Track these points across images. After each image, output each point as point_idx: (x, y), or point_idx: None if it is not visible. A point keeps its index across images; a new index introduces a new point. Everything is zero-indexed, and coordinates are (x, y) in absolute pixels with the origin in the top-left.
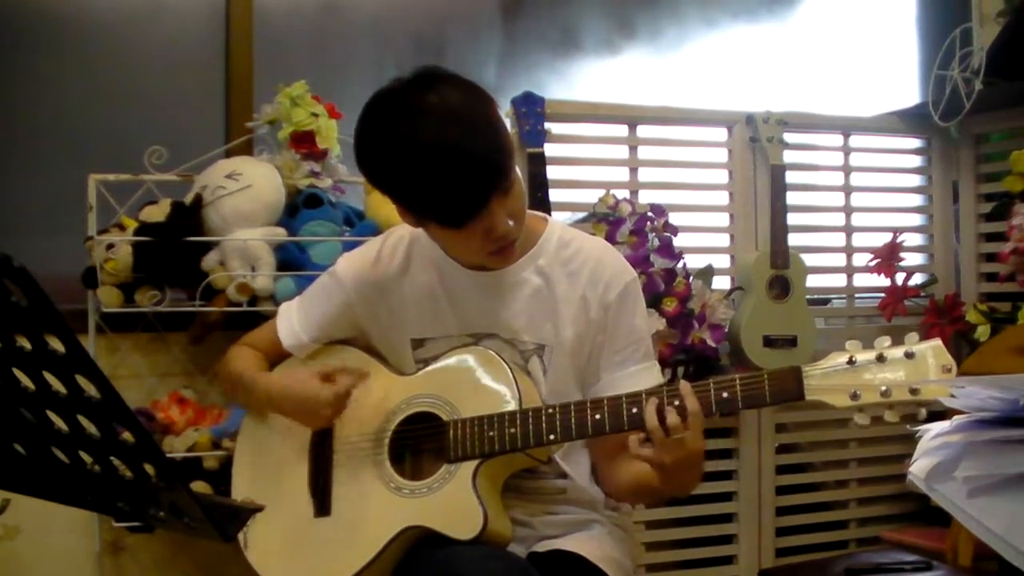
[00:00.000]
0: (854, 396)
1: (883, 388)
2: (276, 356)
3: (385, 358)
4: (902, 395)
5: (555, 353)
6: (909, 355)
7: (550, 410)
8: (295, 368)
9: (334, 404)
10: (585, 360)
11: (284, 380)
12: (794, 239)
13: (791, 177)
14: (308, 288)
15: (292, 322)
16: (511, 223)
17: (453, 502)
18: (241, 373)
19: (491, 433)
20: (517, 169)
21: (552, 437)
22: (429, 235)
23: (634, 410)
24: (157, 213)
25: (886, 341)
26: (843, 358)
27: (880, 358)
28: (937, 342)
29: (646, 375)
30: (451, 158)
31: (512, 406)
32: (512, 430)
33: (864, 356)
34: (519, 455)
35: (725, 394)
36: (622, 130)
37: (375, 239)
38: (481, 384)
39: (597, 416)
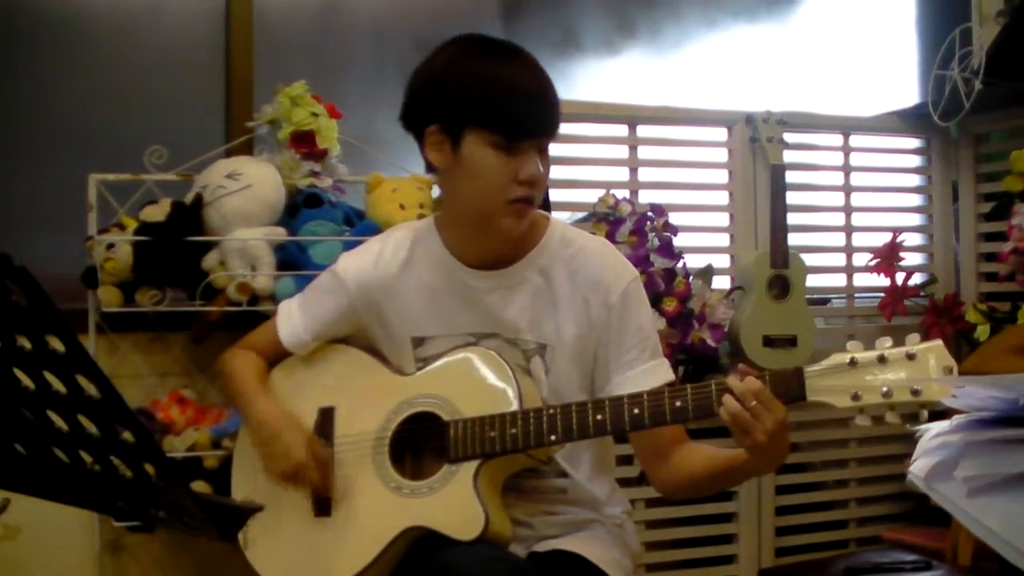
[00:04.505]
0: (855, 397)
1: (884, 389)
2: (276, 356)
3: (385, 357)
4: (903, 396)
5: (557, 353)
6: (910, 356)
7: (551, 410)
8: (297, 369)
9: (295, 471)
10: (590, 362)
11: (272, 414)
12: (794, 239)
13: (791, 177)
14: (308, 286)
15: (293, 321)
16: (541, 170)
17: (454, 503)
18: (238, 385)
19: (492, 433)
20: None
21: (553, 438)
22: (458, 167)
23: (635, 411)
24: (157, 213)
25: (887, 342)
26: (845, 358)
27: (881, 359)
28: (938, 343)
29: (656, 374)
30: (527, 71)
31: (513, 406)
32: (513, 430)
33: (865, 357)
34: (520, 455)
35: (727, 395)
36: (622, 130)
37: (377, 237)
38: (482, 384)
39: (599, 416)
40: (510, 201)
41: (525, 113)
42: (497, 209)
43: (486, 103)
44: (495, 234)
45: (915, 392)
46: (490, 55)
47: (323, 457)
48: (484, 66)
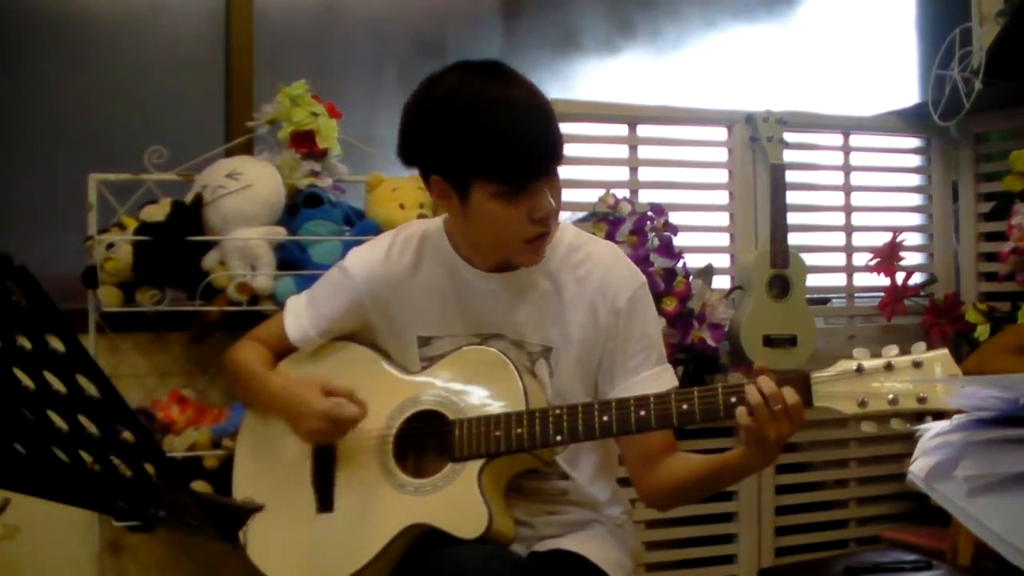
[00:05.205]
0: (862, 404)
1: (891, 396)
2: (283, 351)
3: (390, 355)
4: (909, 403)
5: (562, 356)
6: (917, 364)
7: (557, 411)
8: (303, 364)
9: (324, 420)
10: (594, 366)
11: (287, 380)
12: (794, 239)
13: (791, 176)
14: (317, 282)
15: (300, 316)
16: (553, 204)
17: (458, 501)
18: (248, 368)
19: (497, 433)
20: None
21: (559, 439)
22: (468, 214)
23: (642, 413)
24: (157, 213)
25: (893, 350)
26: (852, 365)
27: (888, 366)
28: (944, 352)
29: (660, 380)
30: (523, 114)
31: (518, 406)
32: (519, 430)
33: (872, 364)
34: (524, 455)
35: (734, 399)
36: (622, 130)
37: (386, 234)
38: (487, 384)
39: (605, 418)
40: (525, 241)
41: (530, 161)
42: (513, 249)
43: (488, 157)
44: (509, 262)
45: (921, 400)
46: (485, 95)
47: (344, 393)
48: (481, 111)
